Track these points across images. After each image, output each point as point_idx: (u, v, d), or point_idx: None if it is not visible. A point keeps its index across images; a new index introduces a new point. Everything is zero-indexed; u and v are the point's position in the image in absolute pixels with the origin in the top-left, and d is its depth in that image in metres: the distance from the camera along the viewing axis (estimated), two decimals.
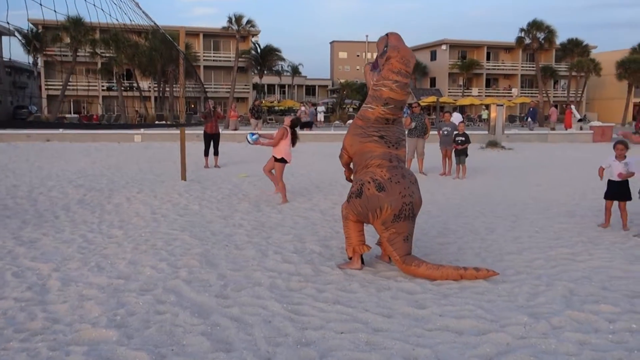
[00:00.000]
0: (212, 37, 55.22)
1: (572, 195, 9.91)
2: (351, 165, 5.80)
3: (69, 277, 5.01)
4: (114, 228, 7.05)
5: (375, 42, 5.48)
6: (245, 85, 55.68)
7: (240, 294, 4.59)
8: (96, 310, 4.17)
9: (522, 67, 62.21)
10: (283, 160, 9.15)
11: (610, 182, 7.26)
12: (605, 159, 7.33)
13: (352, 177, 5.84)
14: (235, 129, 26.61)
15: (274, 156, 9.19)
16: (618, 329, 3.87)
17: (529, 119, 35.19)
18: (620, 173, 7.07)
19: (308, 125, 29.17)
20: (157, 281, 4.90)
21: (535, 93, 59.55)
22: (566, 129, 29.24)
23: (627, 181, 7.16)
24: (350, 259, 5.43)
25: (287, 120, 9.42)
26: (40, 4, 4.04)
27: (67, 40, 40.56)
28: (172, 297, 4.48)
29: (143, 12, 7.13)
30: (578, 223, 7.57)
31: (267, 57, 52.43)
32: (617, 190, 7.19)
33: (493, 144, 19.85)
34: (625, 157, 7.13)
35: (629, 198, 7.17)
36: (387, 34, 5.29)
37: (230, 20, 46.18)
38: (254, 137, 9.17)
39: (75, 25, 37.97)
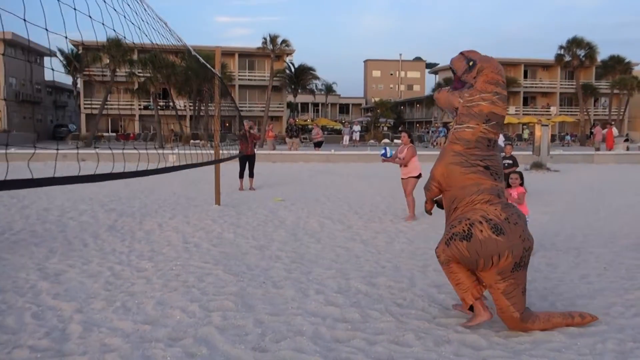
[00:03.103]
0: (247, 57, 55.60)
1: (636, 225, 9.10)
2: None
3: (92, 320, 4.55)
4: (143, 259, 6.61)
5: (447, 64, 4.83)
6: (280, 104, 55.75)
7: (280, 345, 4.05)
8: None
9: (561, 84, 60.84)
10: (419, 176, 9.54)
11: None
12: None
13: (436, 210, 5.02)
14: (273, 149, 26.39)
15: (410, 176, 9.57)
16: None
17: None
18: None
19: (319, 145, 28.91)
20: (188, 327, 4.39)
21: (575, 111, 58.03)
22: (609, 149, 28.06)
23: None
24: (470, 308, 4.55)
25: (406, 138, 9.68)
26: (78, 29, 3.67)
27: (106, 60, 41.18)
28: (203, 349, 3.96)
29: (172, 33, 6.76)
30: None
31: (302, 76, 52.44)
32: None
33: (538, 166, 19.00)
34: None
35: None
36: (462, 53, 4.63)
37: (265, 41, 46.33)
38: (391, 152, 9.62)
39: (115, 46, 38.47)
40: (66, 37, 3.93)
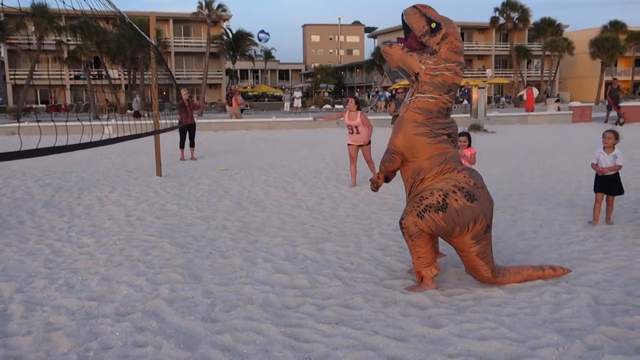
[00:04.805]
0: (183, 23, 53.98)
1: (568, 182, 9.55)
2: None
3: (34, 299, 4.41)
4: (84, 235, 6.43)
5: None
6: (218, 71, 54.61)
7: (231, 315, 4.06)
8: (65, 344, 3.59)
9: (496, 47, 62.28)
10: (370, 142, 9.58)
11: (597, 174, 6.71)
12: (594, 153, 6.82)
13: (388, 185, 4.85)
14: (240, 117, 25.93)
15: (358, 145, 9.46)
16: None
17: (465, 101, 35.34)
18: (602, 169, 6.56)
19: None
20: (135, 302, 4.33)
21: (510, 73, 59.64)
22: (527, 111, 29.12)
23: (617, 173, 6.68)
24: (421, 279, 4.57)
25: (352, 104, 9.47)
26: None
27: (32, 28, 38.98)
28: (153, 322, 3.92)
29: None
30: (582, 214, 7.18)
31: (240, 42, 51.33)
32: (607, 184, 6.63)
33: (476, 128, 19.51)
34: (614, 148, 6.61)
35: (621, 192, 6.70)
36: (416, 7, 4.36)
37: (200, 5, 44.96)
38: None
39: (40, 13, 36.39)
40: None
